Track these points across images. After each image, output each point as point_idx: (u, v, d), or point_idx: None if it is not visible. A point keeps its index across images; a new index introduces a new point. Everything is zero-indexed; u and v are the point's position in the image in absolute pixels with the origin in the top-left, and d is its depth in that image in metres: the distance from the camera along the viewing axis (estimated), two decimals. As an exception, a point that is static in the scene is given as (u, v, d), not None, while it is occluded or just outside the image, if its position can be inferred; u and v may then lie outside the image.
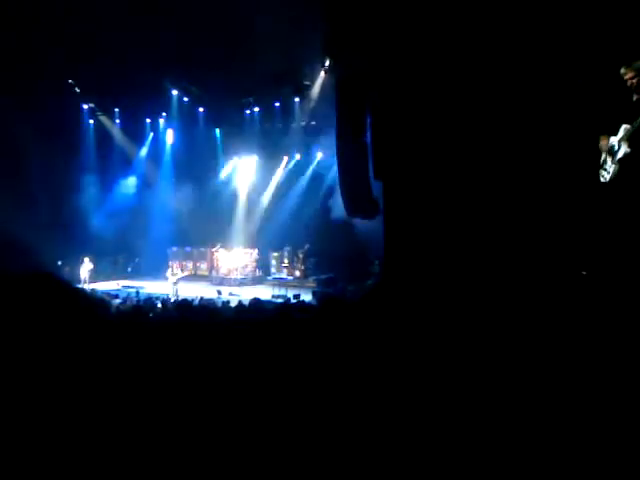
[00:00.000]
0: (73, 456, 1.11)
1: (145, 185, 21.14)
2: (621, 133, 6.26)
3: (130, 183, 21.21)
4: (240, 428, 1.82)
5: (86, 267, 18.12)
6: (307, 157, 19.50)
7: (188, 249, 21.17)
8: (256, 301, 6.85)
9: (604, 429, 1.89)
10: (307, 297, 13.97)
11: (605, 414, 2.00)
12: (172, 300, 12.33)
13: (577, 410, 2.02)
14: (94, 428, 1.13)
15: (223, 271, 19.74)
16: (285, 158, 20.02)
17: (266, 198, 20.23)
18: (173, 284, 16.38)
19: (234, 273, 19.45)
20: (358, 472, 1.72)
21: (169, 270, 17.55)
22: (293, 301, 12.52)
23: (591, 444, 1.81)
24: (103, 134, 20.77)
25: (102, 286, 17.50)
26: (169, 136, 20.94)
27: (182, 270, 18.75)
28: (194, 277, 20.06)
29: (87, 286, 16.80)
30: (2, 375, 1.09)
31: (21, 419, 1.08)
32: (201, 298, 12.03)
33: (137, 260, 21.12)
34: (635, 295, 4.66)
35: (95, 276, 18.37)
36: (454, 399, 2.05)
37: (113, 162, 20.89)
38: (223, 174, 21.24)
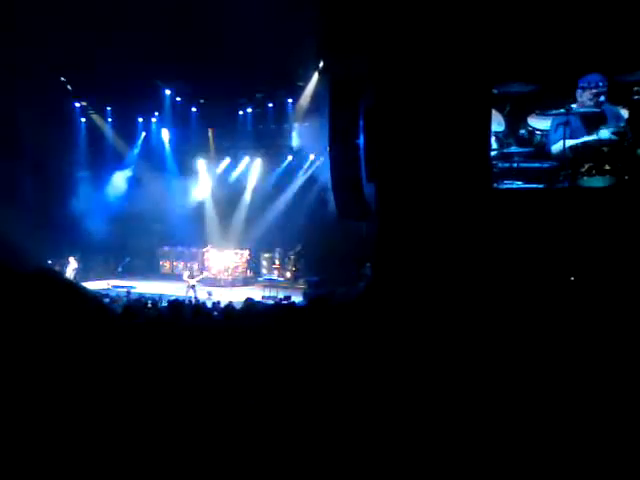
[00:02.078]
0: (71, 454, 1.10)
1: (137, 184, 21.05)
2: None
3: (121, 181, 21.10)
4: (230, 430, 1.81)
5: (72, 267, 18.03)
6: (300, 158, 19.48)
7: (179, 249, 21.09)
8: (249, 301, 6.84)
9: (596, 431, 1.89)
10: (297, 298, 13.96)
11: (595, 415, 2.01)
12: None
13: (569, 411, 2.02)
14: (91, 428, 1.12)
15: (214, 272, 19.69)
16: (281, 160, 20.00)
17: (258, 199, 20.18)
18: (191, 287, 16.29)
19: (225, 274, 19.41)
20: (349, 476, 1.72)
21: (187, 272, 17.50)
22: (284, 302, 12.50)
23: (588, 445, 1.82)
24: (95, 133, 20.67)
25: (92, 286, 17.40)
26: (165, 135, 20.84)
27: (200, 272, 18.60)
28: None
29: None
30: (6, 374, 1.08)
31: (22, 416, 1.07)
32: (190, 300, 11.98)
33: (128, 260, 21.00)
34: (623, 297, 4.69)
35: (85, 275, 18.27)
36: (445, 403, 2.05)
37: (105, 161, 20.78)
38: (215, 174, 21.20)
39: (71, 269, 18.01)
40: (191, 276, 17.01)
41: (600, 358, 2.60)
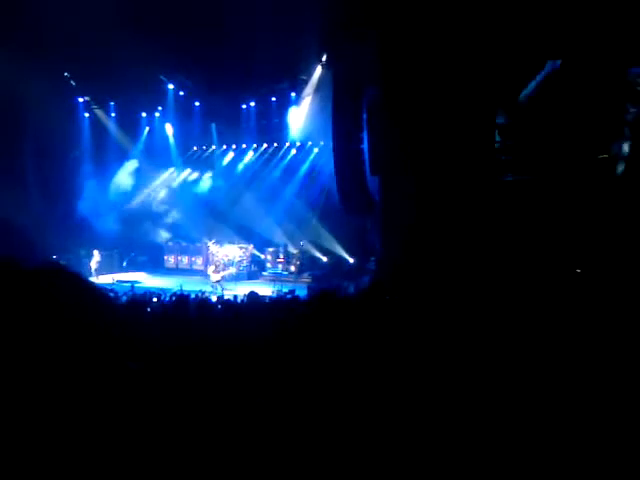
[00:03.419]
0: (72, 452, 1.10)
1: (141, 178, 21.08)
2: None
3: (125, 176, 21.14)
4: (236, 427, 1.81)
5: (95, 259, 18.56)
6: (303, 152, 19.47)
7: (184, 243, 21.13)
8: (253, 295, 6.84)
9: (602, 426, 1.89)
10: (302, 292, 13.96)
11: (602, 409, 2.00)
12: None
13: (576, 407, 2.02)
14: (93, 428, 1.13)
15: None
16: (285, 153, 19.99)
17: (262, 193, 20.17)
18: (217, 282, 16.25)
19: (229, 268, 19.42)
20: (353, 471, 1.72)
21: (211, 267, 17.50)
22: (288, 296, 12.47)
23: (591, 443, 1.82)
24: (98, 128, 20.71)
25: (96, 280, 17.46)
26: (169, 130, 20.84)
27: (224, 268, 18.54)
28: (190, 272, 20.05)
29: (95, 279, 16.96)
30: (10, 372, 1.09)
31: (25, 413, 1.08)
32: (196, 294, 11.96)
33: (133, 254, 21.06)
34: (629, 292, 4.67)
35: (90, 270, 18.45)
36: (451, 396, 2.05)
37: (109, 156, 20.83)
38: (219, 167, 21.23)
39: (94, 262, 18.55)
40: (216, 271, 16.99)
41: (608, 351, 2.59)
